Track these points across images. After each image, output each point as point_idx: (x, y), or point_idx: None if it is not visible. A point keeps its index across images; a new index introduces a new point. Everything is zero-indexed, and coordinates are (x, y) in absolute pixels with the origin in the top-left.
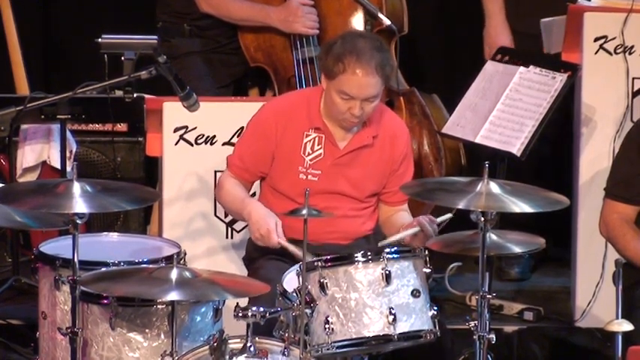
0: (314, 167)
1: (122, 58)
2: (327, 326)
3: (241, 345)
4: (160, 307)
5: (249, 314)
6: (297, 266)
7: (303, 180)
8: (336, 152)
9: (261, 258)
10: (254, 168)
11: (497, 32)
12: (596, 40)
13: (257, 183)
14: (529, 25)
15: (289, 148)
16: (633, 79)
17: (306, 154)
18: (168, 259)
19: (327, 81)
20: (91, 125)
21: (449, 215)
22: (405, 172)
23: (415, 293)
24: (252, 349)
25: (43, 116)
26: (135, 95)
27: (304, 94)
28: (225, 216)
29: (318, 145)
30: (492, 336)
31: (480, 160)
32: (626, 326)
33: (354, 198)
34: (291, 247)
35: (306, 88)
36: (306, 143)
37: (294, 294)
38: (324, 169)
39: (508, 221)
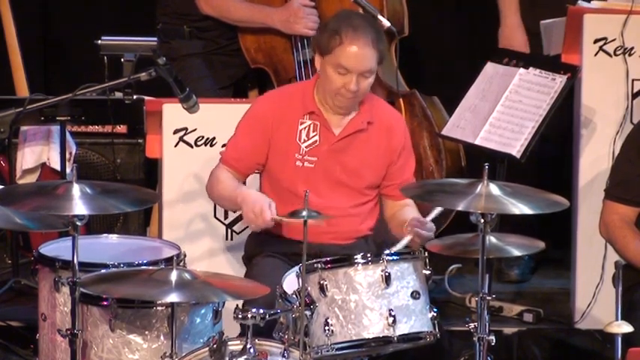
0: (310, 154)
1: (122, 60)
2: (326, 328)
3: (241, 346)
4: (159, 308)
5: (249, 316)
6: (297, 268)
7: (300, 167)
8: (332, 138)
9: (259, 255)
10: (248, 159)
11: (512, 33)
12: (595, 41)
13: (257, 184)
14: None
15: (285, 136)
16: (633, 80)
17: (302, 140)
18: (168, 261)
19: (322, 58)
20: (90, 127)
21: (438, 209)
22: (405, 163)
23: (415, 295)
24: (251, 350)
25: (42, 118)
26: (134, 97)
27: (298, 85)
28: (225, 217)
29: (313, 131)
30: (492, 337)
31: (479, 161)
32: (626, 328)
33: (352, 188)
34: (286, 219)
35: (300, 82)
36: (301, 130)
37: (294, 296)
38: (320, 156)
39: (508, 223)
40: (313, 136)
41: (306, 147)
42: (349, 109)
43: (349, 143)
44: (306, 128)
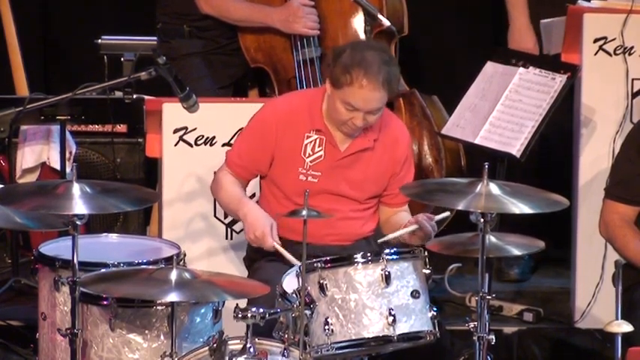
0: (314, 169)
1: (122, 59)
2: (326, 327)
3: (241, 346)
4: (159, 308)
5: (249, 315)
6: (296, 267)
7: (303, 181)
8: (337, 154)
9: (261, 259)
10: (251, 167)
11: (522, 35)
12: (595, 41)
13: (257, 184)
14: None
15: (289, 149)
16: (633, 80)
17: (307, 155)
18: (168, 260)
19: (333, 89)
20: (90, 126)
21: (447, 213)
22: (406, 174)
23: (415, 294)
24: (251, 350)
25: (42, 117)
26: (134, 96)
27: (306, 95)
28: (225, 217)
29: (318, 146)
30: (492, 337)
31: (479, 161)
32: (626, 327)
33: (354, 200)
34: (286, 254)
35: (308, 89)
36: (306, 145)
37: (294, 295)
38: (324, 171)
39: (508, 222)
40: (318, 151)
41: (310, 162)
42: (355, 134)
43: (354, 160)
44: (312, 143)
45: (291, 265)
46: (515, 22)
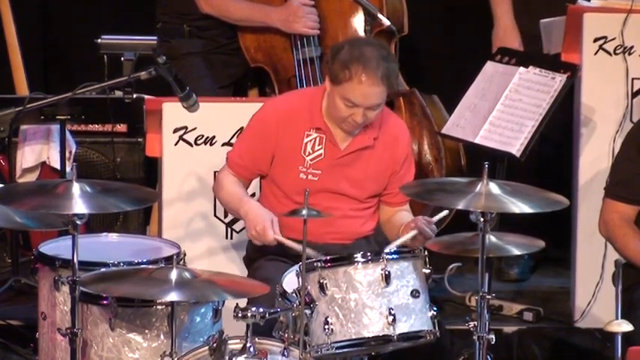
0: (314, 167)
1: (122, 59)
2: (326, 327)
3: (241, 345)
4: (159, 307)
5: (249, 315)
6: (296, 267)
7: (303, 179)
8: (337, 152)
9: (261, 258)
10: (252, 166)
11: (506, 34)
12: (595, 40)
13: (257, 183)
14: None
15: (290, 148)
16: (633, 79)
17: (307, 153)
18: (168, 260)
19: (332, 85)
20: (90, 126)
21: (445, 212)
22: (406, 173)
23: (415, 294)
24: (251, 349)
25: (42, 117)
26: (134, 96)
27: (306, 94)
28: (225, 216)
29: (318, 145)
30: (492, 336)
31: (479, 160)
32: (626, 327)
33: (354, 198)
34: (288, 242)
35: (308, 88)
36: (306, 143)
37: (294, 294)
38: (324, 169)
39: (508, 222)
40: (318, 150)
41: (310, 160)
42: (356, 132)
43: (355, 158)
44: (312, 141)
45: (292, 264)
46: (499, 22)
